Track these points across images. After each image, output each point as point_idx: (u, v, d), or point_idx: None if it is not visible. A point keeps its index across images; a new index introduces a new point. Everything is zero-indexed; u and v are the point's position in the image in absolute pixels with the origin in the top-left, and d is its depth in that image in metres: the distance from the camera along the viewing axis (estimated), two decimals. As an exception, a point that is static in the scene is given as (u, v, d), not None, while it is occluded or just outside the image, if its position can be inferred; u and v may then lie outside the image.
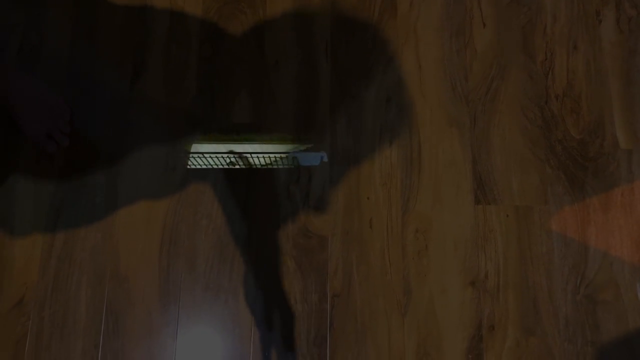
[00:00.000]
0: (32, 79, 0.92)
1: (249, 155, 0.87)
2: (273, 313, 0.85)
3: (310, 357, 0.83)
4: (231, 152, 0.88)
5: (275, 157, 0.86)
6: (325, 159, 0.88)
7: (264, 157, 0.86)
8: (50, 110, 0.91)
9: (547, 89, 0.91)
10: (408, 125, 0.91)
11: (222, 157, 0.88)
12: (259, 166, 0.88)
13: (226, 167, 0.90)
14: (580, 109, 0.90)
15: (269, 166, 0.87)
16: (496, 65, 0.93)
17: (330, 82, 0.93)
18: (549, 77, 0.92)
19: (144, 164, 0.91)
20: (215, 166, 0.90)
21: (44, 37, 0.96)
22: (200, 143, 0.90)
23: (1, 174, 0.91)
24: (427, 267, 0.85)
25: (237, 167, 0.89)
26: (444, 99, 0.91)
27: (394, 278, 0.85)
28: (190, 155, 0.90)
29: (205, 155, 0.89)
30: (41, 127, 0.91)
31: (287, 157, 0.84)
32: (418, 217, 0.87)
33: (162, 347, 0.84)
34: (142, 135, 0.92)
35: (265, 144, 0.86)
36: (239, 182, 0.89)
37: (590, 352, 0.81)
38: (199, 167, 0.90)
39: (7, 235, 0.88)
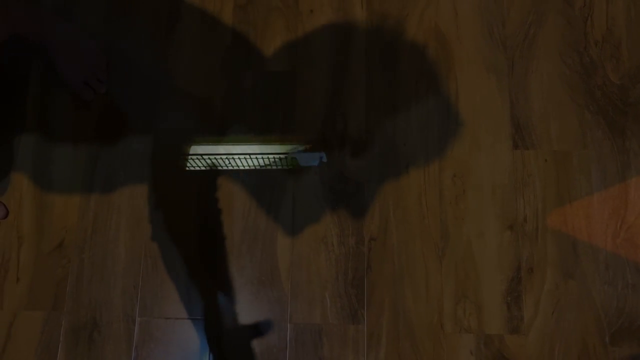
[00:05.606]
0: (69, 25, 0.92)
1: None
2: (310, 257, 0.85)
3: (347, 298, 0.83)
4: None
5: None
6: (325, 159, 0.88)
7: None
8: (87, 58, 0.92)
9: (585, 35, 0.90)
10: (445, 71, 0.90)
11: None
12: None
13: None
14: (620, 54, 0.89)
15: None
16: (534, 11, 0.91)
17: (366, 29, 0.93)
18: (587, 23, 0.90)
19: (180, 112, 0.91)
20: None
21: (80, -13, 0.97)
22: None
23: (41, 120, 0.92)
24: (465, 212, 0.85)
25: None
26: (481, 45, 0.91)
27: (431, 222, 0.85)
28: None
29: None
30: (78, 74, 0.91)
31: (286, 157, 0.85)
32: (455, 163, 0.87)
33: (201, 287, 0.84)
34: (177, 84, 0.92)
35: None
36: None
37: (631, 294, 0.81)
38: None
39: (46, 179, 0.89)
